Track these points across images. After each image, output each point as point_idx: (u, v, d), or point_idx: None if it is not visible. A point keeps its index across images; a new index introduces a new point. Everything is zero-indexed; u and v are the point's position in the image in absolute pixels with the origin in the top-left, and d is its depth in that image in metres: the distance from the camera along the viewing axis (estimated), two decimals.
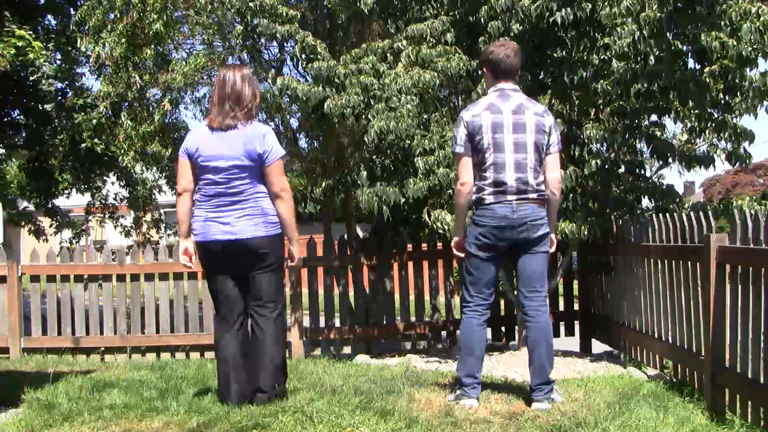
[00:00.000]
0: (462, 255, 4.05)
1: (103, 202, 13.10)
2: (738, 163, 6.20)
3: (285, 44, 7.43)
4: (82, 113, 9.94)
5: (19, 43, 8.21)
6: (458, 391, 3.92)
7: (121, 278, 6.94)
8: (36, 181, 12.05)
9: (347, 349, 7.01)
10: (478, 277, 3.94)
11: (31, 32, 8.65)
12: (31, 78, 9.46)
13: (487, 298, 3.98)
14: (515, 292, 6.27)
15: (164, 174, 11.75)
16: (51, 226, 13.32)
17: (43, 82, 9.86)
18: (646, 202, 6.15)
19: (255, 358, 3.83)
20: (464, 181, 3.88)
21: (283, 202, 3.83)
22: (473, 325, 3.94)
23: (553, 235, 4.03)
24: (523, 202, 3.80)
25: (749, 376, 3.62)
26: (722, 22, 5.25)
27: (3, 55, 7.89)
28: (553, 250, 4.04)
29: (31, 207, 13.41)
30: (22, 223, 13.23)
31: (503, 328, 7.06)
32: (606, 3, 5.45)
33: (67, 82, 10.85)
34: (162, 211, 14.18)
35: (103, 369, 5.52)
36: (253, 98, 3.84)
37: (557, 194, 3.97)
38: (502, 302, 6.99)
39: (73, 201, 14.47)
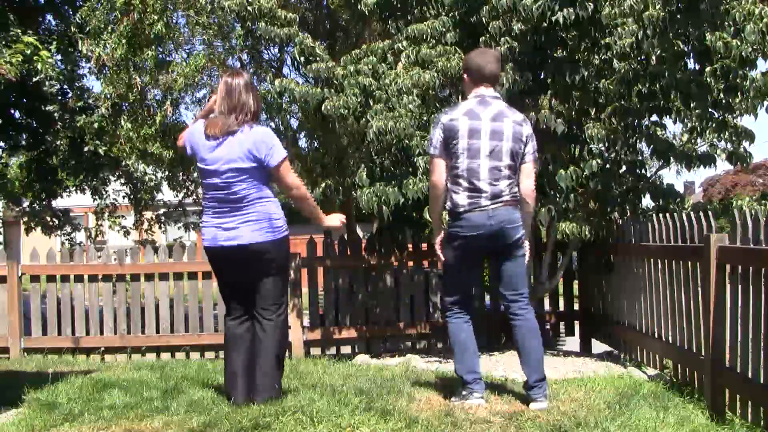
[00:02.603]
0: (441, 256, 4.04)
1: (105, 202, 13.12)
2: (738, 163, 6.21)
3: (285, 46, 7.45)
4: (84, 115, 9.95)
5: (27, 51, 8.20)
6: (464, 392, 3.90)
7: (121, 278, 6.94)
8: (39, 180, 12.06)
9: (347, 349, 7.01)
10: (460, 281, 3.98)
11: (34, 36, 8.64)
12: (34, 78, 9.47)
13: (469, 299, 4.04)
14: None
15: (165, 174, 11.77)
16: (55, 227, 13.34)
17: (46, 83, 9.86)
18: (646, 201, 6.16)
19: (257, 358, 3.84)
20: (435, 183, 3.89)
21: (301, 197, 3.89)
22: (461, 324, 3.97)
23: (526, 243, 3.97)
24: (498, 206, 3.79)
25: (749, 376, 3.62)
26: (726, 23, 5.26)
27: (11, 62, 7.88)
28: (527, 256, 3.99)
29: (29, 206, 13.39)
30: (32, 222, 13.21)
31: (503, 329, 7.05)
32: (607, 2, 5.45)
33: (67, 84, 10.86)
34: (162, 211, 14.17)
35: (103, 369, 5.51)
36: (257, 105, 3.87)
37: (531, 203, 3.96)
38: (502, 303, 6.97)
39: (74, 201, 14.48)
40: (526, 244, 3.97)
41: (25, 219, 13.42)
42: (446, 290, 4.06)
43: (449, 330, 4.03)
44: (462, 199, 3.80)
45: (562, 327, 7.13)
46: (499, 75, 4.04)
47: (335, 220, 4.03)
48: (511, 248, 3.87)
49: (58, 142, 11.04)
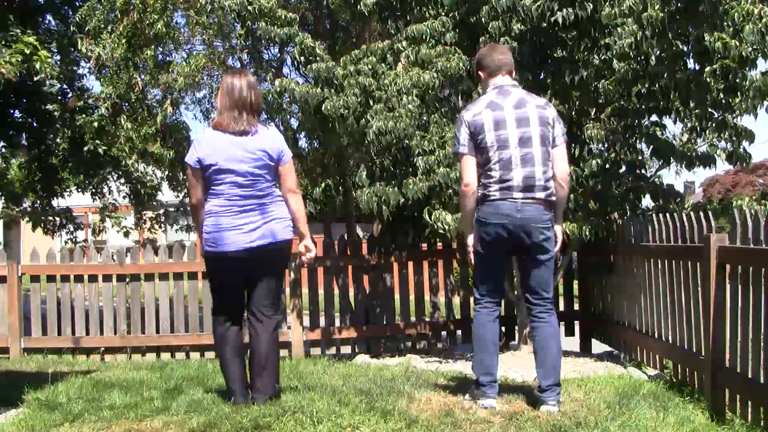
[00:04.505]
0: (471, 257, 3.99)
1: (106, 202, 13.13)
2: (738, 163, 6.22)
3: (285, 45, 7.45)
4: (84, 115, 9.95)
5: (27, 50, 8.20)
6: (476, 391, 3.87)
7: (121, 278, 6.94)
8: (40, 180, 12.08)
9: (347, 349, 7.01)
10: (489, 274, 3.91)
11: (34, 36, 8.64)
12: (34, 78, 9.48)
13: (498, 294, 3.96)
14: (515, 293, 6.28)
15: (165, 174, 11.77)
16: (58, 227, 13.36)
17: (46, 83, 9.87)
18: (646, 201, 6.16)
19: (253, 358, 3.84)
20: (468, 182, 3.82)
21: (297, 199, 3.88)
22: (485, 321, 3.89)
23: (559, 229, 3.94)
24: (529, 202, 3.73)
25: (749, 376, 3.62)
26: (725, 23, 5.26)
27: (11, 62, 7.88)
28: (558, 247, 3.96)
29: (30, 205, 13.42)
30: (33, 221, 13.23)
31: (503, 328, 7.06)
32: (607, 3, 5.45)
33: (67, 84, 10.86)
34: (162, 210, 14.18)
35: (103, 369, 5.52)
36: (259, 105, 3.89)
37: (566, 187, 3.91)
38: (503, 302, 6.98)
39: (74, 200, 14.50)
40: (559, 234, 3.92)
41: (26, 219, 13.44)
42: (475, 282, 4.00)
43: (473, 324, 3.97)
44: (494, 188, 3.76)
45: (562, 327, 7.11)
46: (512, 63, 3.97)
47: (311, 244, 3.97)
48: (535, 250, 3.79)
49: (59, 141, 11.04)
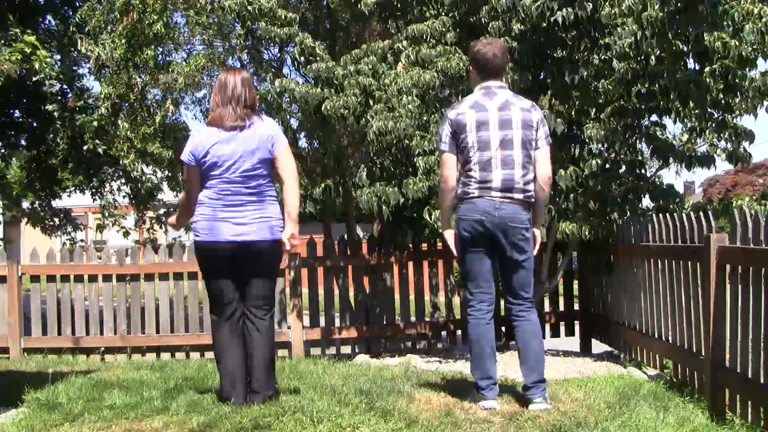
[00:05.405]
0: (454, 251, 3.99)
1: (106, 201, 13.13)
2: (738, 163, 6.22)
3: (285, 46, 7.45)
4: (83, 115, 9.95)
5: (27, 50, 8.22)
6: (476, 395, 3.86)
7: (121, 278, 6.94)
8: (40, 180, 12.07)
9: (347, 349, 7.02)
10: (474, 272, 3.89)
11: (34, 36, 8.64)
12: (34, 78, 9.47)
13: (488, 292, 3.91)
14: None
15: (165, 174, 11.76)
16: (56, 227, 13.35)
17: (46, 83, 9.86)
18: (646, 201, 6.16)
19: (252, 358, 3.84)
20: (446, 180, 3.85)
21: (292, 183, 3.82)
22: (480, 323, 3.88)
23: (537, 231, 3.94)
24: (507, 201, 3.74)
25: (749, 376, 3.62)
26: (725, 23, 5.26)
27: (10, 60, 7.90)
28: (537, 248, 3.95)
29: (29, 206, 13.41)
30: (32, 221, 13.23)
31: (503, 328, 7.06)
32: (607, 2, 5.45)
33: (67, 84, 10.85)
34: (162, 211, 14.16)
35: (103, 369, 5.52)
36: (254, 101, 3.90)
37: (546, 189, 3.89)
38: (502, 302, 6.98)
39: (74, 201, 14.49)
40: (538, 236, 3.93)
41: (26, 219, 13.43)
42: (463, 284, 4.00)
43: (468, 327, 3.97)
44: (473, 187, 3.78)
45: (562, 327, 7.13)
46: (505, 66, 3.97)
47: (295, 229, 3.84)
48: (512, 250, 3.79)
49: (58, 141, 11.04)
